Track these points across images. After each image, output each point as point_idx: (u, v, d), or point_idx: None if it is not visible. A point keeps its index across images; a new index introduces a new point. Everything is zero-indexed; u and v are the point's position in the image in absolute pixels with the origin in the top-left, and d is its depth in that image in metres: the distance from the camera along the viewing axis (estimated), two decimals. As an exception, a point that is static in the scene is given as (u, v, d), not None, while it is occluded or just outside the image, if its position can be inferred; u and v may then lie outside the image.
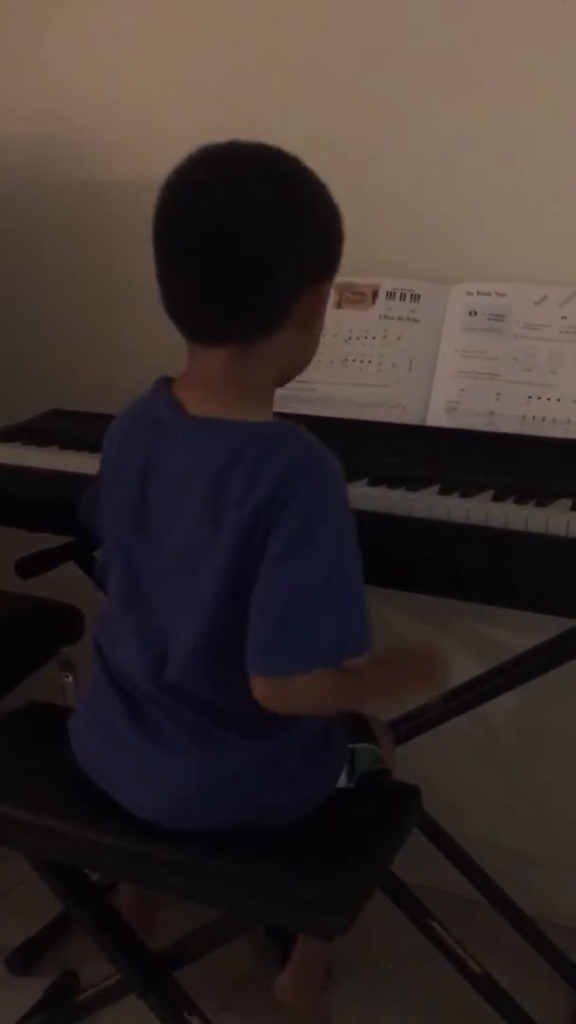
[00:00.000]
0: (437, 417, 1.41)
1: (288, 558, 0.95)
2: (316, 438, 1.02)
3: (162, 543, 1.04)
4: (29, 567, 1.44)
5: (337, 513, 0.99)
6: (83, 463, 1.32)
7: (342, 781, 1.13)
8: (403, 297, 1.47)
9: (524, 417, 1.36)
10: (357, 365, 1.48)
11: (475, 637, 1.66)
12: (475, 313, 1.42)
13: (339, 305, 1.50)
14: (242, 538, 0.97)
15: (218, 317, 1.01)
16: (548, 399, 1.36)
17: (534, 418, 1.36)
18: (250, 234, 0.98)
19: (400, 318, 1.47)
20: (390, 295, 1.48)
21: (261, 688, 0.97)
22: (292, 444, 1.00)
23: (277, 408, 1.48)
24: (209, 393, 1.03)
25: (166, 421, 1.05)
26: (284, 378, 1.09)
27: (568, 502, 1.17)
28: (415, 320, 1.46)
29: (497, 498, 1.19)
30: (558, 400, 1.35)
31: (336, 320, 1.50)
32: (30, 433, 1.52)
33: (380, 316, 1.48)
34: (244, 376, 1.03)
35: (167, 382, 1.08)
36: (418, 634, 1.70)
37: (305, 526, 0.96)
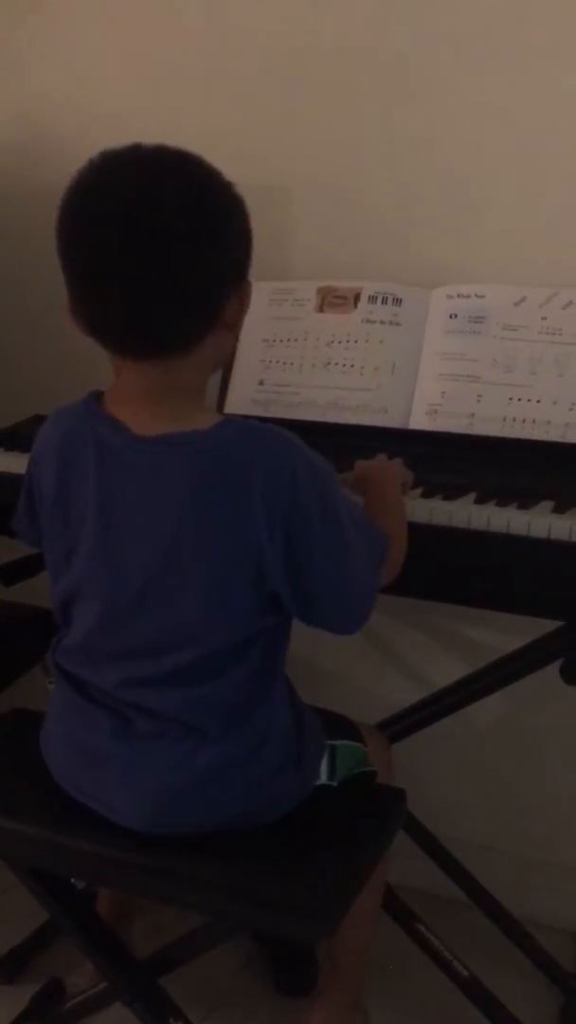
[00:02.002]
0: (419, 420, 1.42)
1: (331, 536, 1.01)
2: (256, 421, 1.02)
3: (134, 567, 1.02)
4: (11, 574, 1.44)
5: (319, 468, 1.02)
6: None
7: (323, 777, 1.13)
8: (385, 301, 1.48)
9: (505, 419, 1.37)
10: (340, 369, 1.48)
11: (458, 639, 1.66)
12: (455, 316, 1.42)
13: (321, 309, 1.51)
14: (246, 545, 0.98)
15: (148, 334, 0.98)
16: (528, 400, 1.36)
17: (515, 420, 1.36)
18: (171, 239, 0.94)
19: (382, 322, 1.47)
20: (372, 299, 1.48)
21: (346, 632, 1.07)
22: (257, 441, 1.00)
23: (260, 413, 1.50)
24: (148, 408, 1.01)
25: (114, 444, 1.02)
26: (213, 372, 1.09)
27: (550, 504, 1.17)
28: (397, 324, 1.47)
29: (479, 501, 1.19)
30: (538, 401, 1.36)
31: (318, 324, 1.50)
32: (13, 439, 1.51)
33: (362, 320, 1.48)
34: (179, 384, 1.02)
35: (98, 398, 1.06)
36: (402, 637, 1.71)
37: (324, 505, 1.00)
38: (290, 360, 1.51)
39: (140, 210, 0.94)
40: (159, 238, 0.94)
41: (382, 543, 1.08)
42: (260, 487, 0.98)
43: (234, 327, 1.04)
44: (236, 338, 1.09)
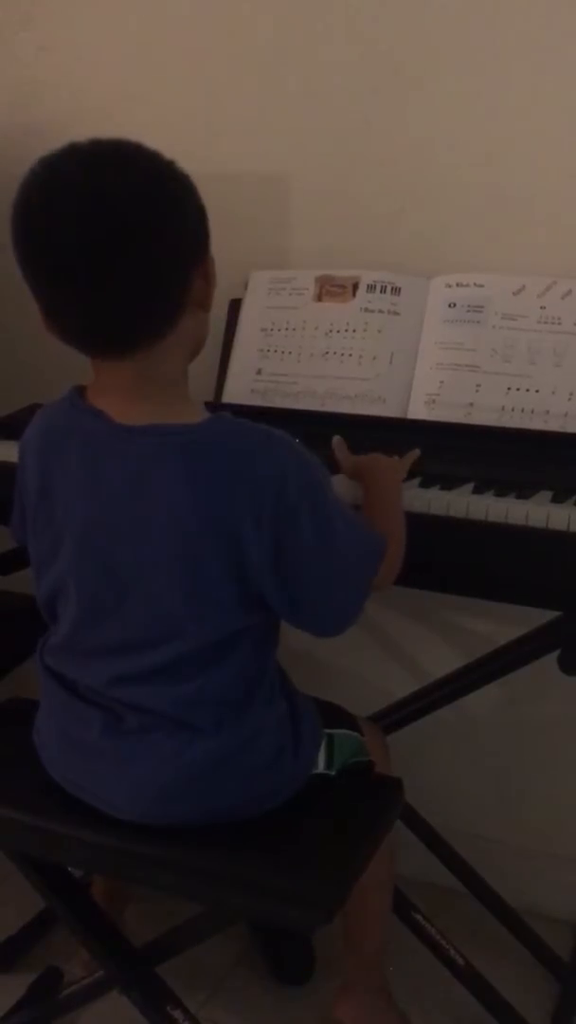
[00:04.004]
0: (418, 410, 1.41)
1: (321, 541, 1.01)
2: (247, 420, 1.02)
3: (119, 559, 1.01)
4: (8, 563, 1.43)
5: (311, 468, 1.02)
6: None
7: (320, 766, 1.13)
8: (383, 290, 1.47)
9: (503, 408, 1.37)
10: (338, 358, 1.48)
11: (456, 629, 1.66)
12: (454, 305, 1.42)
13: (319, 298, 1.50)
14: (232, 544, 0.98)
15: (122, 332, 0.98)
16: (527, 390, 1.36)
17: (513, 409, 1.36)
18: (122, 232, 0.93)
19: (380, 311, 1.47)
20: (370, 288, 1.48)
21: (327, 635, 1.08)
22: (249, 440, 1.00)
23: (259, 403, 1.49)
24: (129, 399, 1.01)
25: (98, 434, 1.01)
26: (192, 357, 1.07)
27: (548, 494, 1.17)
28: (396, 313, 1.46)
29: (477, 490, 1.19)
30: (537, 391, 1.35)
31: (316, 313, 1.50)
32: (10, 428, 1.50)
33: (361, 309, 1.48)
34: (157, 373, 1.01)
35: (81, 391, 1.05)
36: (399, 627, 1.70)
37: (315, 509, 1.00)
38: (288, 349, 1.50)
39: (86, 210, 0.92)
40: (110, 233, 0.93)
41: (379, 546, 1.08)
42: (249, 486, 0.97)
43: (204, 305, 1.03)
44: (209, 318, 1.07)
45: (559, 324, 1.36)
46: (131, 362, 1.00)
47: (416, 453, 1.25)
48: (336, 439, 1.23)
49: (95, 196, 0.93)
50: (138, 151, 0.97)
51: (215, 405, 1.26)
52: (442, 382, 1.40)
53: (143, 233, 0.94)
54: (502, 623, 1.52)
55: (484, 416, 1.37)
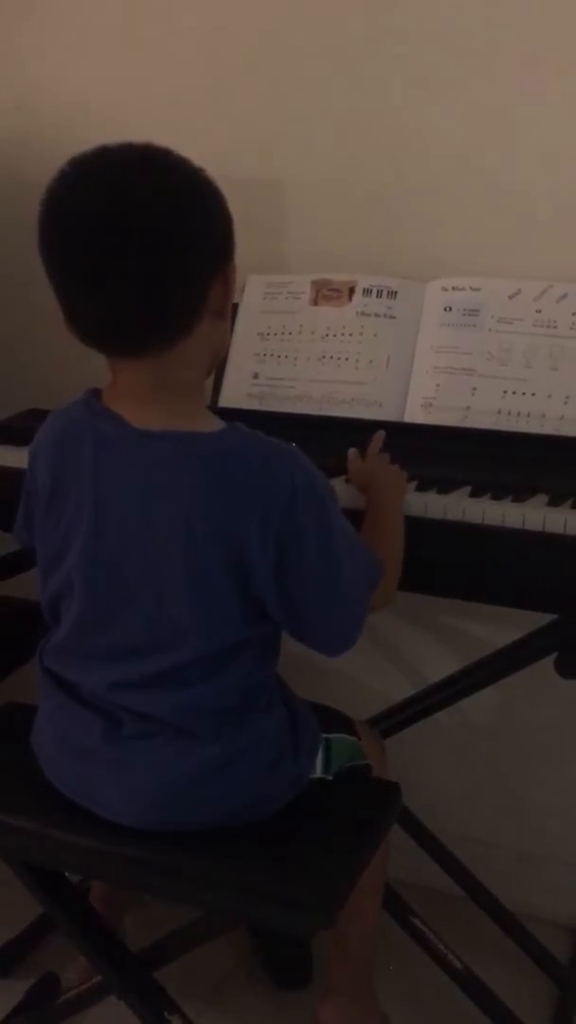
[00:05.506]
0: (414, 413, 1.42)
1: (323, 556, 1.01)
2: (261, 432, 1.02)
3: (126, 562, 1.02)
4: (6, 567, 1.43)
5: (320, 486, 1.02)
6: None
7: (318, 770, 1.13)
8: (380, 294, 1.47)
9: (500, 412, 1.37)
10: (334, 362, 1.48)
11: (453, 633, 1.66)
12: (450, 309, 1.42)
13: (316, 302, 1.50)
14: (237, 554, 0.98)
15: (138, 329, 0.98)
16: (523, 394, 1.36)
17: (509, 413, 1.36)
18: (144, 234, 0.94)
19: (377, 315, 1.47)
20: (367, 292, 1.48)
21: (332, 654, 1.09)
22: (262, 453, 1.00)
23: (256, 406, 1.49)
24: (145, 403, 1.01)
25: (114, 437, 1.02)
26: (209, 369, 1.09)
27: (545, 497, 1.17)
28: (392, 317, 1.46)
29: (474, 494, 1.19)
30: (533, 394, 1.36)
31: (313, 317, 1.50)
32: (8, 432, 1.51)
33: (357, 313, 1.48)
34: (174, 378, 1.01)
35: (96, 394, 1.06)
36: (396, 631, 1.70)
37: (319, 525, 1.00)
38: (285, 353, 1.51)
39: (111, 212, 0.94)
40: (132, 236, 0.94)
41: (376, 570, 1.08)
42: (259, 498, 0.98)
43: (222, 313, 1.04)
44: (229, 328, 1.08)
45: (555, 328, 1.36)
46: (147, 365, 1.00)
47: (381, 434, 1.26)
48: (352, 451, 1.23)
49: (119, 198, 0.94)
50: (166, 156, 0.98)
51: (212, 410, 1.26)
52: (438, 386, 1.41)
53: (161, 237, 0.95)
54: (499, 626, 1.52)
55: (480, 419, 1.37)
